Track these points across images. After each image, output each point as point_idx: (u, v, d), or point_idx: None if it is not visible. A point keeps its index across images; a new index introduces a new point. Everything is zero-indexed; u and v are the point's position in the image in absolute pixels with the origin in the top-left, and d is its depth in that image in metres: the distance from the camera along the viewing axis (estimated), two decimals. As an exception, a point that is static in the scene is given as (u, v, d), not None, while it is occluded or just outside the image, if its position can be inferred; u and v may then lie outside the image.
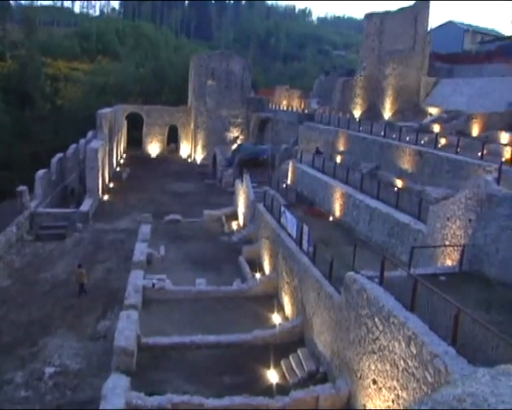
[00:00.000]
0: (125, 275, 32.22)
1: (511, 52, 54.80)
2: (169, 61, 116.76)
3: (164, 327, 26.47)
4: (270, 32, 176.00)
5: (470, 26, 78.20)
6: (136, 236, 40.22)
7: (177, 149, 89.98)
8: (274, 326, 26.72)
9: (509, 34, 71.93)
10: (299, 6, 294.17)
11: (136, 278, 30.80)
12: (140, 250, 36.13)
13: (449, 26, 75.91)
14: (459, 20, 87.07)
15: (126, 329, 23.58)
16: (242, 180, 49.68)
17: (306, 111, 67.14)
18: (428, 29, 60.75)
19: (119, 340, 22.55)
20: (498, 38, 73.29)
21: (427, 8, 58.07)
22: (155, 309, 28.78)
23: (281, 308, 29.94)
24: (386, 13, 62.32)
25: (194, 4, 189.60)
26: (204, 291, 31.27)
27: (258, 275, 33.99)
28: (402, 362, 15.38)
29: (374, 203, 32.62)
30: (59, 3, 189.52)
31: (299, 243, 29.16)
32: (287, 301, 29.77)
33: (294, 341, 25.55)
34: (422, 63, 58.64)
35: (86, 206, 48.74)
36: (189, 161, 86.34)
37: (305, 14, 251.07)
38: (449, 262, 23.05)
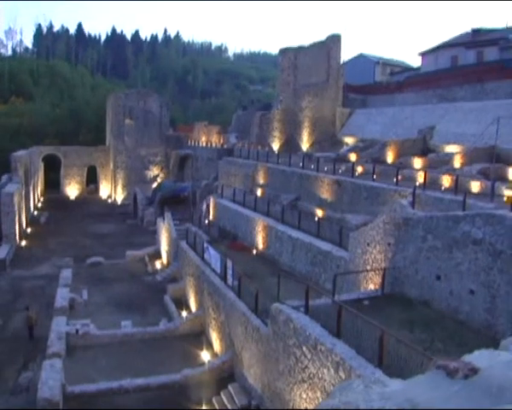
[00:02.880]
0: (47, 322, 31.12)
1: (419, 82, 57.07)
2: (85, 100, 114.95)
3: (91, 374, 25.63)
4: (188, 69, 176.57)
5: (380, 58, 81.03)
6: (57, 281, 39.23)
7: (97, 189, 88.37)
8: (203, 364, 26.49)
9: (416, 66, 74.92)
10: (215, 43, 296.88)
11: (59, 325, 29.89)
12: (62, 296, 35.15)
13: (360, 58, 78.41)
14: (370, 52, 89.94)
15: (50, 379, 22.68)
16: (164, 218, 49.24)
17: (225, 146, 67.44)
18: (341, 62, 62.46)
19: (43, 391, 21.65)
20: (407, 69, 76.31)
21: (339, 41, 59.90)
22: (81, 356, 27.88)
23: (209, 345, 29.70)
24: (300, 48, 63.83)
25: (110, 43, 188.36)
26: (130, 333, 30.60)
27: (184, 313, 33.69)
28: (332, 388, 15.35)
29: (295, 234, 32.96)
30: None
31: (224, 277, 29.16)
32: (215, 337, 29.49)
33: (225, 377, 25.43)
34: (337, 95, 60.16)
35: (2, 253, 46.93)
36: (110, 201, 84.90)
37: (221, 50, 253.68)
38: (371, 286, 23.46)
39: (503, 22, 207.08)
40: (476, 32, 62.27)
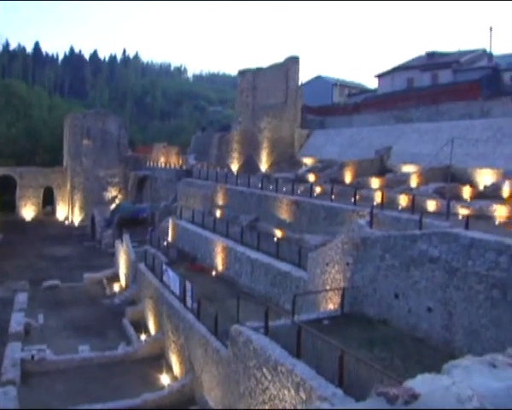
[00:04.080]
0: (1, 349, 30.19)
1: (376, 104, 57.97)
2: (43, 120, 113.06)
3: (47, 400, 25.03)
4: (147, 90, 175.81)
5: (338, 80, 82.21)
6: (11, 305, 38.24)
7: (54, 211, 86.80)
8: (163, 388, 26.15)
9: (373, 87, 76.20)
10: (174, 63, 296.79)
11: (14, 351, 29.21)
12: (16, 321, 34.34)
13: (318, 80, 79.42)
14: (327, 74, 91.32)
15: (4, 407, 22.00)
16: (122, 240, 48.67)
17: (184, 167, 67.21)
18: (299, 83, 63.15)
19: (-5, 420, 20.98)
20: (364, 90, 77.53)
21: (297, 63, 60.58)
22: (36, 382, 27.19)
23: (169, 368, 29.36)
24: (259, 69, 64.22)
25: (68, 62, 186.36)
26: (88, 358, 30.00)
27: (143, 336, 33.24)
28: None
29: (255, 255, 32.93)
30: None
31: (183, 300, 28.95)
32: (175, 360, 29.20)
33: (185, 400, 25.16)
34: (295, 116, 60.72)
35: (-46, 277, 45.53)
36: (67, 223, 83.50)
37: (180, 71, 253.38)
38: (331, 306, 23.52)
39: (456, 46, 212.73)
40: (431, 55, 63.78)
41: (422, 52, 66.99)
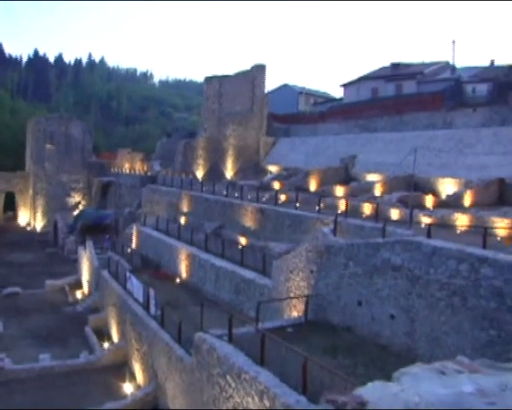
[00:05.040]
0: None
1: (341, 113, 58.49)
2: (4, 124, 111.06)
3: (5, 412, 24.37)
4: (112, 95, 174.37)
5: (304, 88, 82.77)
6: (-31, 314, 37.27)
7: (15, 216, 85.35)
8: (126, 396, 25.85)
9: (338, 96, 76.93)
10: (140, 69, 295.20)
11: (-30, 361, 28.36)
12: (-26, 329, 33.48)
13: (284, 88, 79.93)
14: (294, 83, 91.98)
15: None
16: (85, 247, 48.08)
17: (149, 173, 66.80)
18: (265, 91, 63.36)
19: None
20: (329, 99, 78.19)
21: (264, 71, 60.89)
22: (-5, 392, 26.47)
23: (132, 377, 29.07)
24: (225, 76, 64.23)
25: (31, 65, 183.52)
26: (49, 367, 29.45)
27: (106, 344, 32.95)
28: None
29: (219, 262, 32.87)
30: None
31: (147, 307, 28.73)
32: (138, 369, 28.93)
33: (148, 409, 24.86)
34: (261, 124, 60.92)
35: None
36: (29, 228, 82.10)
37: (146, 76, 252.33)
38: (295, 313, 23.55)
39: (420, 57, 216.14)
40: (395, 65, 64.75)
41: (387, 63, 68.03)
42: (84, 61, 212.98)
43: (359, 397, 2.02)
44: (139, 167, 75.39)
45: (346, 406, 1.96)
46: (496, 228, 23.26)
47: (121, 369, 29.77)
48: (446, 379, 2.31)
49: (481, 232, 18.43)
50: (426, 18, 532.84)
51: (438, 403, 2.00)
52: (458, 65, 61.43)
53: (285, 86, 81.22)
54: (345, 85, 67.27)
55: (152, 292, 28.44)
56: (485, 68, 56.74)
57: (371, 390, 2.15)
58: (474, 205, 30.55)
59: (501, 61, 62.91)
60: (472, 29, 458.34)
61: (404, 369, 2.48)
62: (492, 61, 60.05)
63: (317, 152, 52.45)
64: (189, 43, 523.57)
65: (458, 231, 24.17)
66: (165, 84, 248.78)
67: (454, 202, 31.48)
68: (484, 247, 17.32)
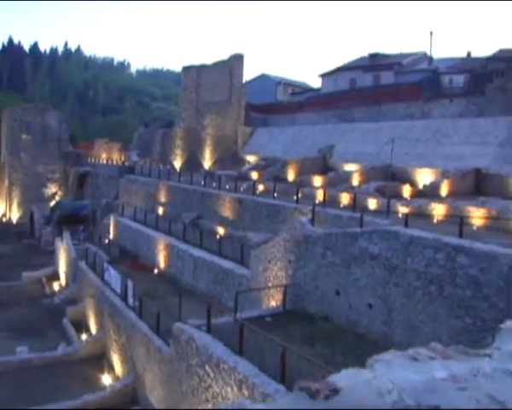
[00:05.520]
0: None
1: (319, 103, 58.60)
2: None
3: (-18, 405, 24.03)
4: (89, 85, 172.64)
5: (282, 78, 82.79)
6: None
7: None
8: (104, 388, 25.66)
9: (316, 87, 76.96)
10: (117, 58, 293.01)
11: None
12: (-52, 322, 33.01)
13: (263, 78, 79.74)
14: (272, 73, 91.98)
15: None
16: (62, 238, 47.62)
17: (127, 164, 66.24)
18: (243, 81, 63.21)
19: None
20: (307, 90, 78.23)
21: (242, 61, 60.72)
22: (-29, 387, 26.12)
23: (111, 368, 28.89)
24: (203, 66, 63.83)
25: (6, 54, 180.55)
26: (26, 360, 29.03)
27: (84, 336, 32.62)
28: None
29: (197, 252, 32.77)
30: None
31: (125, 298, 28.55)
32: (116, 360, 28.77)
33: (128, 400, 24.80)
34: (239, 114, 60.78)
35: None
36: (4, 220, 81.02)
37: (123, 66, 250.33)
38: (273, 303, 23.57)
39: (398, 48, 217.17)
40: (373, 56, 64.89)
41: (365, 53, 68.13)
42: (60, 49, 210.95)
43: (332, 384, 2.00)
44: (116, 158, 74.77)
45: (319, 393, 1.93)
46: (472, 218, 23.47)
47: (99, 361, 29.58)
48: (419, 366, 2.31)
49: (458, 222, 18.59)
50: (404, 9, 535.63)
51: (410, 389, 1.99)
52: (435, 56, 62.00)
53: (263, 76, 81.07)
54: (323, 76, 67.32)
55: (130, 283, 28.25)
56: (462, 60, 57.25)
57: (345, 377, 2.13)
58: (451, 195, 30.81)
59: (478, 53, 63.61)
60: (449, 21, 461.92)
61: (377, 356, 2.46)
62: (469, 53, 60.65)
63: (296, 142, 52.49)
64: (166, 33, 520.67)
65: (435, 221, 24.38)
66: (142, 73, 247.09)
67: (431, 192, 31.72)
68: (460, 236, 17.47)
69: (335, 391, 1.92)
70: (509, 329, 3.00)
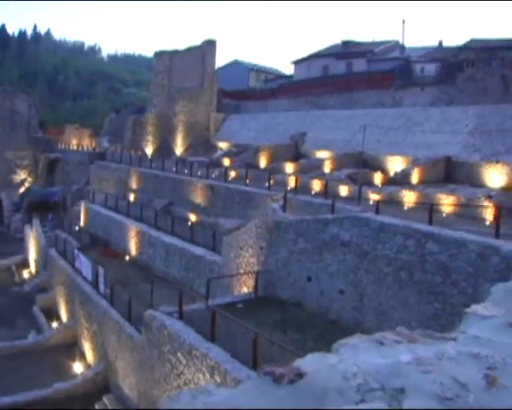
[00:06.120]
0: None
1: (292, 90, 58.65)
2: None
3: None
4: (59, 69, 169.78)
5: (255, 65, 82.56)
6: None
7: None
8: (76, 376, 25.54)
9: (288, 73, 76.99)
10: (88, 43, 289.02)
11: None
12: None
13: (235, 64, 79.41)
14: (244, 59, 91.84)
15: None
16: (32, 225, 47.03)
17: (98, 150, 65.58)
18: (216, 67, 62.90)
19: None
20: (280, 76, 78.19)
21: (214, 47, 60.41)
22: None
23: (82, 356, 28.76)
24: (175, 51, 63.34)
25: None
26: (-4, 349, 28.66)
27: (55, 324, 32.46)
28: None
29: (169, 239, 32.66)
30: None
31: (96, 286, 28.42)
32: (88, 348, 28.65)
33: (99, 388, 24.67)
34: (211, 100, 60.51)
35: None
36: (-28, 207, 79.67)
37: (94, 51, 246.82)
38: (245, 290, 23.64)
39: (371, 36, 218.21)
40: (346, 44, 65.09)
41: (338, 41, 68.34)
42: (29, 33, 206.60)
43: (297, 369, 2.00)
44: (87, 144, 73.88)
45: (283, 377, 1.93)
46: (442, 205, 23.74)
47: (71, 349, 29.43)
48: (385, 349, 2.33)
49: (428, 209, 18.78)
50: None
51: (374, 373, 2.01)
52: (408, 45, 62.47)
53: (236, 62, 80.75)
54: (295, 63, 67.32)
55: (101, 270, 28.13)
56: (433, 49, 57.81)
57: (310, 362, 2.13)
58: (422, 182, 31.12)
59: (449, 43, 64.20)
60: (421, 10, 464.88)
61: (343, 340, 2.47)
62: (441, 42, 61.23)
63: (268, 129, 52.48)
64: (138, 17, 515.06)
65: (406, 208, 24.59)
66: (113, 58, 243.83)
67: (402, 180, 31.98)
68: (430, 223, 17.65)
69: (300, 376, 1.92)
70: (474, 313, 3.04)
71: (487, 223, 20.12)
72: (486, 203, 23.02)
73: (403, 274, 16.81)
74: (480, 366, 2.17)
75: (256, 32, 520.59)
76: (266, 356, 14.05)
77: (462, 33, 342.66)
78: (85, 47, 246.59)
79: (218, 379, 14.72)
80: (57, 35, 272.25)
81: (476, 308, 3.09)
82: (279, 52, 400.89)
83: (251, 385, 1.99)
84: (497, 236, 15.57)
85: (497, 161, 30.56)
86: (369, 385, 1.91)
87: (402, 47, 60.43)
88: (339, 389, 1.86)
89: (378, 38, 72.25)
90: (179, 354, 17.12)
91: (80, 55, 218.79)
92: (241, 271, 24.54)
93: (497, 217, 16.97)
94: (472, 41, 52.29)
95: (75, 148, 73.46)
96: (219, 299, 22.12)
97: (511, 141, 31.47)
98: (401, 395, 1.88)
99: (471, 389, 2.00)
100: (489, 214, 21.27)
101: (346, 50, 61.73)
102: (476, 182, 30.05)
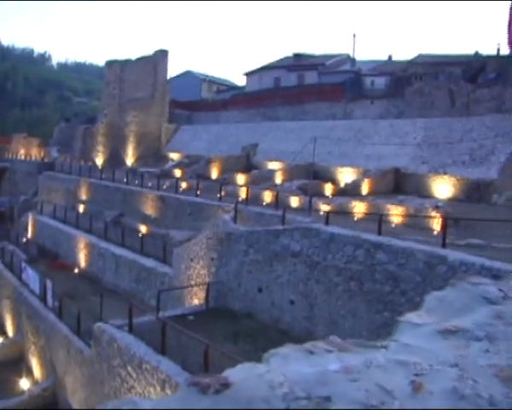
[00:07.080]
0: None
1: (244, 101, 58.84)
2: None
3: None
4: (7, 76, 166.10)
5: (207, 76, 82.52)
6: None
7: None
8: (23, 392, 25.02)
9: (240, 85, 77.26)
10: (37, 50, 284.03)
11: None
12: None
13: (187, 75, 79.30)
14: (197, 70, 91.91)
15: None
16: (-23, 236, 45.85)
17: (46, 160, 64.35)
18: (168, 77, 62.64)
19: None
20: (232, 87, 78.41)
21: (166, 57, 60.22)
22: None
23: (29, 372, 28.20)
24: (127, 61, 62.77)
25: None
26: None
27: (0, 339, 31.63)
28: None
29: (119, 251, 32.34)
30: None
31: (44, 299, 27.91)
32: (35, 364, 28.11)
33: (48, 404, 24.29)
34: (162, 110, 60.17)
35: None
36: None
37: (44, 58, 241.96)
38: (196, 301, 23.56)
39: (322, 49, 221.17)
40: (297, 56, 65.77)
41: (290, 53, 68.91)
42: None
43: (224, 378, 1.99)
44: (36, 153, 72.51)
45: (209, 387, 1.91)
46: (391, 215, 24.11)
47: (17, 364, 28.73)
48: (314, 358, 2.34)
49: (377, 219, 19.04)
50: (328, 11, 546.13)
51: (302, 381, 2.01)
52: (358, 58, 63.30)
53: (188, 73, 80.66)
54: (247, 74, 67.67)
55: (49, 283, 27.61)
56: (383, 62, 58.94)
57: (239, 372, 2.13)
58: (372, 193, 31.59)
59: (398, 57, 65.48)
60: (372, 24, 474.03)
61: (273, 350, 2.48)
62: (390, 56, 62.51)
63: (219, 140, 52.48)
64: (89, 25, 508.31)
65: (356, 219, 24.88)
66: (64, 66, 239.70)
67: (352, 190, 32.40)
68: (379, 233, 17.88)
69: (226, 385, 1.92)
70: (408, 321, 3.09)
71: (435, 233, 20.50)
72: (434, 214, 23.47)
73: (353, 284, 16.98)
74: (407, 372, 2.21)
75: (209, 42, 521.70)
76: (218, 368, 13.97)
77: (411, 48, 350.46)
78: (35, 54, 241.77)
79: (169, 392, 14.58)
80: (5, 41, 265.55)
81: (410, 317, 3.14)
82: (231, 63, 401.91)
83: (176, 396, 1.96)
84: (443, 245, 15.88)
85: (445, 173, 31.33)
86: (294, 394, 1.91)
87: (353, 60, 61.32)
88: (264, 398, 1.86)
89: (329, 52, 73.15)
90: (129, 368, 16.89)
91: (29, 62, 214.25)
92: (193, 282, 24.44)
93: (444, 227, 17.31)
94: (420, 56, 53.55)
95: (23, 157, 71.98)
96: (170, 311, 21.95)
97: (458, 153, 32.22)
98: (327, 403, 1.90)
99: (396, 395, 2.02)
100: (436, 224, 21.68)
101: (298, 63, 62.34)
102: (424, 193, 30.71)
